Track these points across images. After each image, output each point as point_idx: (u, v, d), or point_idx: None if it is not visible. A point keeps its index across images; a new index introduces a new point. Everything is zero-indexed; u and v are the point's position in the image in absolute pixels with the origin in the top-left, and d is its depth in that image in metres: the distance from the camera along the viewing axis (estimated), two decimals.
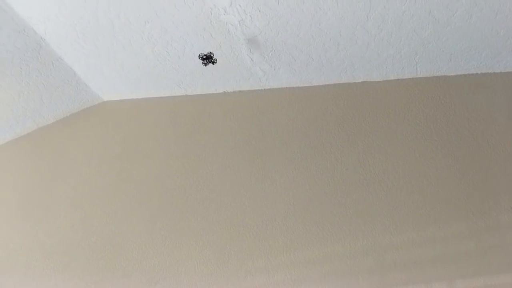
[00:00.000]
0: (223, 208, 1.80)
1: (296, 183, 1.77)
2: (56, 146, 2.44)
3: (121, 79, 2.29)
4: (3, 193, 2.41)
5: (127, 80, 2.30)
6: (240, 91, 2.11)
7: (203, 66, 1.86)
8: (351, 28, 1.66)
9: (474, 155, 1.57)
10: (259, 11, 1.69)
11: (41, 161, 2.40)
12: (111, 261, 1.90)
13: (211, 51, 1.85)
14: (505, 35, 1.58)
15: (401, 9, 1.54)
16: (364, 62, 1.80)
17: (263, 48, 1.86)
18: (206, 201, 1.86)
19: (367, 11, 1.57)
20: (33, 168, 2.43)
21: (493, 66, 1.69)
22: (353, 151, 1.74)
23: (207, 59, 1.83)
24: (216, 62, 1.83)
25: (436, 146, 1.63)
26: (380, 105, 1.77)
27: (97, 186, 2.17)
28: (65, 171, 2.32)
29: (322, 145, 1.80)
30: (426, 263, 1.44)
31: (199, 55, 1.85)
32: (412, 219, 1.53)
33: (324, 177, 1.74)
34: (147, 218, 1.95)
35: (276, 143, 1.90)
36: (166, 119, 2.26)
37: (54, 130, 2.51)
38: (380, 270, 1.47)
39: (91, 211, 2.12)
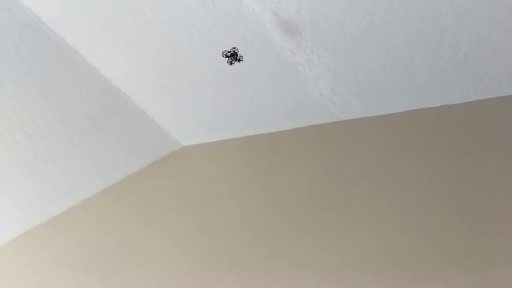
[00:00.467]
0: (310, 246, 1.80)
1: (383, 217, 1.72)
2: (143, 192, 2.62)
3: (198, 124, 2.44)
4: (98, 240, 2.62)
5: (204, 125, 2.44)
6: (311, 125, 2.13)
7: (228, 64, 1.70)
8: (424, 54, 1.63)
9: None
10: (326, 48, 1.73)
11: (131, 205, 2.59)
12: None
13: (241, 55, 1.70)
14: None
15: (475, 30, 1.49)
16: (441, 86, 1.74)
17: (333, 83, 1.89)
18: (292, 239, 1.87)
19: (439, 37, 1.54)
20: (123, 214, 2.63)
21: None
22: (444, 180, 1.66)
23: (232, 56, 1.71)
24: (242, 59, 1.71)
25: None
26: (464, 128, 1.69)
27: (184, 229, 2.29)
28: (153, 215, 2.48)
29: (406, 175, 1.75)
30: None
31: (223, 52, 1.71)
32: (424, 274, 1.44)
33: (413, 210, 1.68)
34: (233, 261, 2.01)
35: (355, 175, 1.88)
36: (242, 158, 2.34)
37: (140, 178, 2.71)
38: None
39: (179, 256, 2.22)
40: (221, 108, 2.25)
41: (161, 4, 1.72)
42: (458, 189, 1.61)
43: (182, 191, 2.47)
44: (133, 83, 2.24)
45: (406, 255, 1.59)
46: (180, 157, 2.61)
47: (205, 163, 2.48)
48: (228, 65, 1.93)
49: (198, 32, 1.82)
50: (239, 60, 1.71)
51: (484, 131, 1.66)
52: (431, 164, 1.70)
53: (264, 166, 2.22)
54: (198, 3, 1.68)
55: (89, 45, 2.03)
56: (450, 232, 1.55)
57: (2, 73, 2.17)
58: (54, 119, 2.42)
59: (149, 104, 2.37)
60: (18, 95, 2.28)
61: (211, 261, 2.08)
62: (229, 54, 1.71)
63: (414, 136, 1.81)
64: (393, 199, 1.74)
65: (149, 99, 2.34)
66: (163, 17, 1.79)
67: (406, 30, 1.56)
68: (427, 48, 1.60)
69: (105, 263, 2.49)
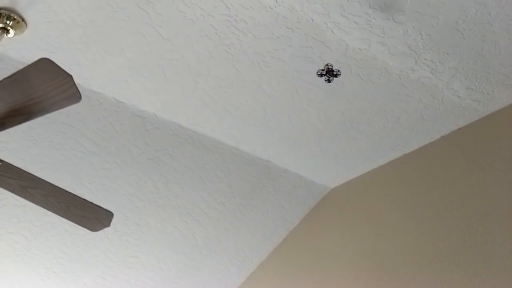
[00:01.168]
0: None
1: None
2: (311, 239, 2.73)
3: (339, 164, 2.50)
4: None
5: (344, 164, 2.49)
6: (458, 129, 2.02)
7: (327, 83, 1.61)
8: None
9: None
10: (447, 54, 1.68)
11: (303, 261, 2.72)
12: None
13: (337, 68, 1.60)
14: None
15: None
16: None
17: (467, 82, 1.79)
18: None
19: None
20: (297, 268, 2.76)
21: None
22: None
23: (328, 73, 1.58)
24: (340, 74, 1.58)
25: None
26: None
27: (361, 269, 2.31)
28: (330, 260, 2.55)
29: None
30: None
31: (317, 72, 1.59)
32: None
33: None
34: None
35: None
36: (395, 182, 2.31)
37: (303, 229, 2.84)
38: None
39: None
40: (356, 143, 2.29)
41: (274, 77, 1.89)
42: None
43: (345, 230, 2.51)
44: (270, 149, 2.44)
45: None
46: (332, 199, 2.69)
47: (358, 197, 2.50)
48: (355, 101, 1.98)
49: (314, 87, 1.93)
50: (336, 75, 1.61)
51: None
52: None
53: (419, 184, 2.16)
54: (307, 63, 1.80)
55: (225, 131, 2.31)
56: None
57: (165, 179, 2.58)
58: (215, 201, 2.75)
59: (289, 161, 2.53)
60: (182, 192, 2.67)
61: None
62: (324, 72, 1.61)
63: None
64: None
65: (287, 158, 2.50)
66: (278, 87, 1.96)
67: None
68: None
69: None
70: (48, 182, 1.58)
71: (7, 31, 1.69)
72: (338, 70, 1.61)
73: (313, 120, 2.16)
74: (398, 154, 2.29)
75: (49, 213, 2.30)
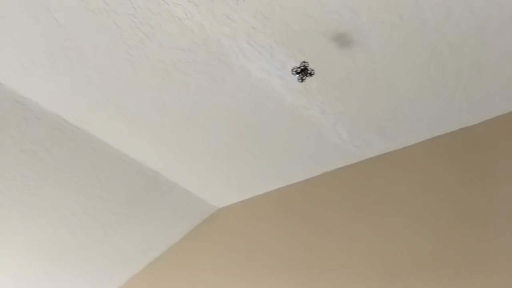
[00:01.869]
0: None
1: (419, 249, 1.73)
2: (188, 259, 2.68)
3: (230, 186, 2.53)
4: None
5: (235, 186, 2.53)
6: (338, 168, 2.19)
7: (300, 82, 1.53)
8: (430, 87, 1.70)
9: None
10: (336, 99, 1.82)
11: (177, 277, 2.65)
12: None
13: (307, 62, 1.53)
14: None
15: (473, 56, 1.56)
16: (454, 111, 1.79)
17: (350, 127, 1.96)
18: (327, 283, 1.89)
19: (440, 70, 1.61)
20: (171, 284, 2.68)
21: None
22: (471, 202, 1.68)
23: (303, 72, 1.53)
24: (313, 73, 1.53)
25: None
26: (491, 147, 1.72)
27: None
28: (201, 279, 2.53)
29: (438, 202, 1.77)
30: None
31: (292, 69, 1.53)
32: None
33: (442, 237, 1.69)
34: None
35: (389, 210, 1.91)
36: (276, 210, 2.40)
37: (183, 247, 2.78)
38: None
39: None
40: (249, 167, 2.34)
41: (175, 89, 1.86)
42: (479, 208, 1.62)
43: (225, 252, 2.52)
44: (162, 160, 2.37)
45: None
46: (217, 219, 2.69)
47: (242, 220, 2.55)
48: (250, 131, 2.04)
49: (214, 105, 1.94)
50: (310, 74, 1.53)
51: (502, 148, 1.69)
52: (463, 189, 1.72)
53: (299, 214, 2.27)
54: (210, 81, 1.81)
55: (115, 134, 2.18)
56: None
57: (39, 176, 2.34)
58: (93, 208, 2.56)
59: (180, 176, 2.49)
60: (56, 193, 2.44)
61: None
62: (299, 70, 1.53)
63: (436, 163, 1.84)
64: (425, 223, 1.76)
65: (179, 172, 2.45)
66: (179, 100, 1.93)
67: (408, 68, 1.64)
68: (431, 81, 1.67)
69: None
70: None
71: None
72: (312, 70, 1.55)
73: (210, 138, 2.16)
74: (283, 184, 2.40)
75: None
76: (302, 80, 1.54)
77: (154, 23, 1.56)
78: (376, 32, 1.53)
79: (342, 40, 1.59)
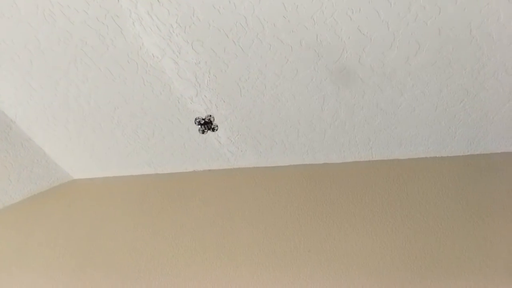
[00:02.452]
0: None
1: (260, 264, 1.79)
2: (23, 225, 2.40)
3: (92, 158, 2.33)
4: None
5: (98, 159, 2.34)
6: (209, 170, 2.17)
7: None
8: (309, 117, 1.79)
9: (425, 236, 1.65)
10: (224, 101, 1.81)
11: (6, 241, 2.35)
12: None
13: (210, 115, 1.55)
14: (446, 124, 1.73)
15: (351, 102, 1.69)
16: (323, 146, 1.91)
17: (230, 133, 1.96)
18: (173, 285, 1.85)
19: (321, 104, 1.71)
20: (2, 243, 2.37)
21: (439, 151, 1.83)
22: (315, 232, 1.80)
23: (206, 124, 1.54)
24: (217, 129, 1.53)
25: (390, 227, 1.71)
26: (339, 186, 1.86)
27: (61, 270, 2.13)
28: (30, 252, 2.27)
29: (286, 226, 1.86)
30: None
31: (196, 119, 1.53)
32: None
33: (287, 259, 1.77)
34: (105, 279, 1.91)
35: (243, 222, 1.95)
36: (135, 197, 2.28)
37: (21, 209, 2.48)
38: None
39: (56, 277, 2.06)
40: (117, 144, 2.20)
41: (56, 35, 1.66)
42: (327, 241, 1.75)
43: (66, 227, 2.31)
44: (21, 109, 2.09)
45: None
46: (68, 190, 2.46)
47: (96, 198, 2.37)
48: (125, 105, 1.92)
49: (95, 67, 1.78)
50: (213, 130, 1.50)
51: (359, 191, 1.85)
52: (310, 219, 1.84)
53: (156, 207, 2.19)
54: (97, 40, 1.66)
55: None
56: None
57: None
58: None
59: (38, 132, 2.22)
60: None
61: None
62: (202, 122, 1.52)
63: (297, 190, 1.94)
64: (269, 246, 1.83)
65: (38, 128, 2.19)
66: (57, 48, 1.73)
67: (293, 95, 1.71)
68: (311, 112, 1.76)
69: None
70: None
71: None
72: (216, 126, 1.49)
73: (81, 101, 1.97)
74: (150, 171, 2.30)
75: None
76: (203, 132, 1.51)
77: None
78: (275, 50, 1.56)
79: (242, 45, 1.59)
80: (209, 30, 1.55)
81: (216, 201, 2.08)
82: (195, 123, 1.52)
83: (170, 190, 2.22)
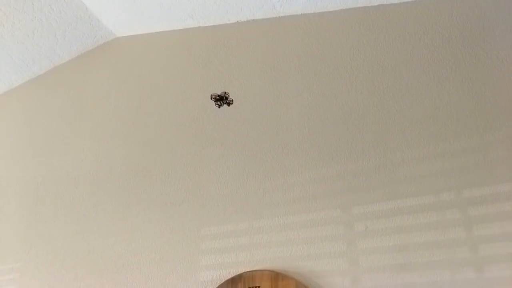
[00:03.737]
0: (241, 135, 1.87)
1: (311, 108, 1.81)
2: (73, 84, 2.49)
3: (134, 13, 2.29)
4: (27, 130, 2.52)
5: (140, 14, 2.30)
6: (254, 20, 2.09)
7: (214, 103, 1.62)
8: None
9: (487, 75, 1.59)
10: None
11: (60, 99, 2.48)
12: (136, 187, 2.02)
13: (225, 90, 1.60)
14: None
15: None
16: None
17: None
18: (224, 130, 1.93)
19: None
20: (53, 106, 2.52)
21: None
22: (368, 75, 1.76)
23: (221, 100, 1.61)
24: (232, 103, 1.59)
25: (450, 67, 1.64)
26: (396, 28, 1.76)
27: (117, 120, 2.25)
28: (84, 107, 2.40)
29: (337, 71, 1.82)
30: (436, 175, 1.51)
31: (211, 95, 1.62)
32: (424, 137, 1.57)
33: (338, 101, 1.78)
34: (168, 148, 2.04)
35: (292, 70, 1.92)
36: (179, 52, 2.27)
37: (70, 69, 2.56)
38: (391, 184, 1.56)
39: (114, 144, 2.21)
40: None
41: None
42: (380, 83, 1.73)
43: (115, 84, 2.39)
44: None
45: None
46: (113, 49, 2.48)
47: (140, 55, 2.38)
48: None
49: None
50: (228, 104, 1.58)
51: (417, 32, 1.74)
52: (362, 63, 1.78)
53: (201, 60, 2.19)
54: None
55: None
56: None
57: None
58: None
59: None
60: None
61: (146, 147, 2.10)
62: (218, 98, 1.59)
63: (349, 35, 1.86)
64: (320, 90, 1.83)
65: None
66: None
67: None
68: None
69: (34, 151, 2.43)
70: None
71: None
72: (232, 100, 1.55)
73: None
74: (193, 25, 2.25)
75: None
76: (219, 106, 1.57)
77: None
78: None
79: None
80: None
81: (262, 52, 2.03)
82: (211, 98, 1.60)
83: (214, 43, 2.18)
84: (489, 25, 1.62)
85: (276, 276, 1.57)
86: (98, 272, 1.94)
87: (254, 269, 1.63)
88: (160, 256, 1.83)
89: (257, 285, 1.57)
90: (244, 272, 1.63)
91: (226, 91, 1.63)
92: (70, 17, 2.35)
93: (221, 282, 1.65)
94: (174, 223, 1.86)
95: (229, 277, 1.65)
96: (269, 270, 1.59)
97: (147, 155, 2.08)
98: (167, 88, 2.23)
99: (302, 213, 1.64)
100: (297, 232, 1.64)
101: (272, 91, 1.93)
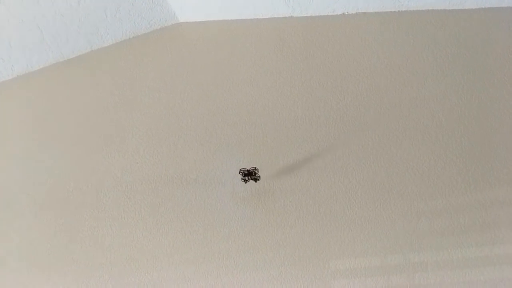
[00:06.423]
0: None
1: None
2: (129, 65, 2.04)
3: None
4: (74, 105, 2.03)
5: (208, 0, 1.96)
6: (364, 13, 1.84)
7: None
8: None
9: None
10: None
11: (115, 77, 2.03)
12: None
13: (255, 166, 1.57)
14: None
15: None
16: None
17: None
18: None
19: None
20: (105, 82, 2.05)
21: None
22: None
23: (249, 175, 1.55)
24: (259, 179, 1.55)
25: None
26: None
27: (177, 108, 1.86)
28: (138, 91, 1.96)
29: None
30: None
31: (240, 170, 1.56)
32: None
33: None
34: (233, 146, 1.70)
35: (427, 70, 1.67)
36: (245, 44, 1.93)
37: (114, 52, 2.11)
38: None
39: (165, 139, 1.80)
40: None
41: None
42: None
43: (170, 72, 1.99)
44: None
45: None
46: (174, 34, 2.09)
47: (211, 46, 2.01)
48: None
49: None
50: (255, 180, 1.55)
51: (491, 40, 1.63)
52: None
53: (295, 58, 1.87)
54: None
55: None
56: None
57: None
58: None
59: None
60: None
61: (212, 147, 1.71)
62: (246, 173, 1.55)
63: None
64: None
65: None
66: None
67: None
68: None
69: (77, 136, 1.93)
70: None
71: None
72: (259, 176, 1.56)
73: None
74: (286, 14, 1.95)
75: None
76: (246, 181, 1.57)
77: None
78: None
79: None
80: None
81: (372, 48, 1.75)
82: (239, 173, 1.57)
83: (312, 37, 1.88)
84: None
85: None
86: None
87: None
88: None
89: None
90: None
91: (256, 166, 1.56)
92: None
93: None
94: None
95: None
96: None
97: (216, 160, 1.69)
98: (235, 84, 1.86)
99: None
100: None
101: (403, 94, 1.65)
